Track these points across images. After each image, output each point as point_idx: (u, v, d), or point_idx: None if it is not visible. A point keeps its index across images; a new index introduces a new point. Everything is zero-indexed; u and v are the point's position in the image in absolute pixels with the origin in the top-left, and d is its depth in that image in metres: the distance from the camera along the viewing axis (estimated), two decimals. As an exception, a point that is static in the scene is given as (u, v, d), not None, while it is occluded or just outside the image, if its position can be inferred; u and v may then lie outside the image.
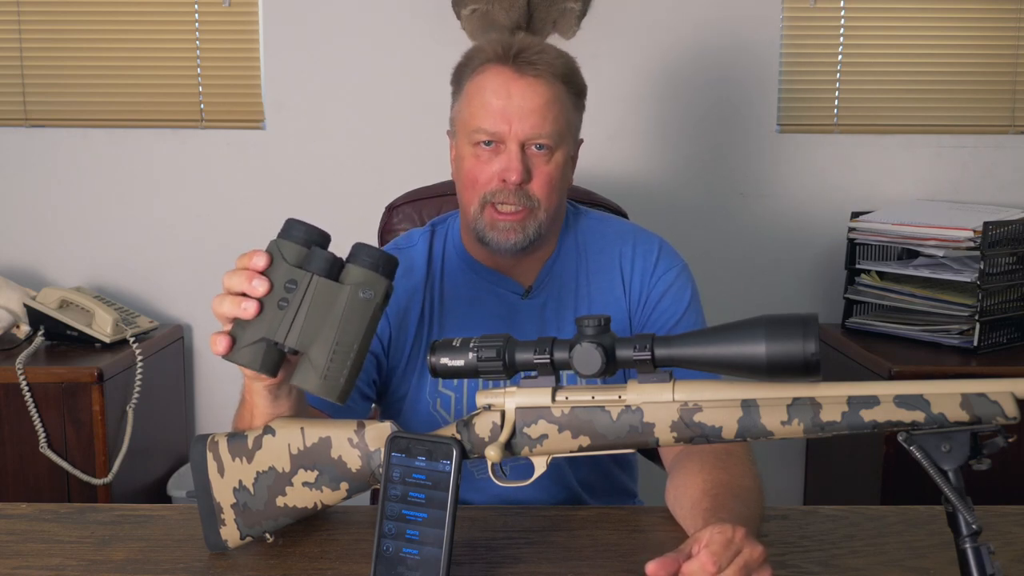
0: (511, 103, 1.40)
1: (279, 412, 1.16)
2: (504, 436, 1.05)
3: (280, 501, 1.14)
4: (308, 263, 1.07)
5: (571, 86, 1.45)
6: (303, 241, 1.08)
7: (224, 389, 2.65)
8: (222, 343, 1.07)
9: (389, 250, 1.51)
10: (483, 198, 1.42)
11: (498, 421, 1.06)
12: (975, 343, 2.26)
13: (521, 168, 1.40)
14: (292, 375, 1.08)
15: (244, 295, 1.07)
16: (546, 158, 1.42)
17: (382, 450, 1.10)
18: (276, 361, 1.09)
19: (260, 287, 1.06)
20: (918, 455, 0.94)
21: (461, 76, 1.47)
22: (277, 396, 1.15)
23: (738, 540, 1.00)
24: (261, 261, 1.07)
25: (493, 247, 1.44)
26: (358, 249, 1.09)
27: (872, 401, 0.96)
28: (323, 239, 1.10)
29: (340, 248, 1.10)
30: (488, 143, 1.41)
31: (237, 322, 1.07)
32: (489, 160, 1.42)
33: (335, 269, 1.07)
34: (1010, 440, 0.93)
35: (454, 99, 1.49)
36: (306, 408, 1.23)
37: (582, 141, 1.53)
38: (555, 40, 2.47)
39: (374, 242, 1.90)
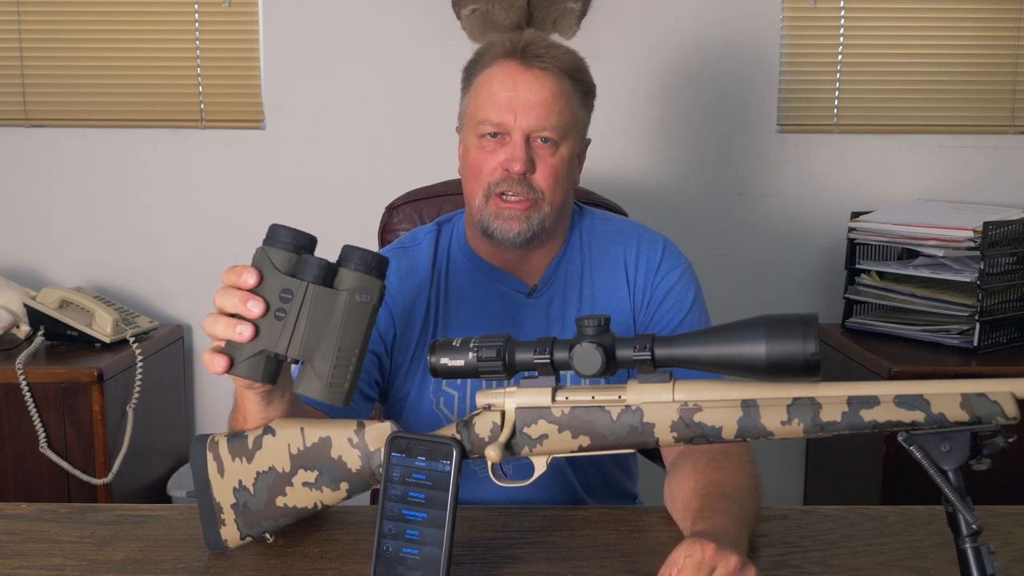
0: (517, 95, 1.40)
1: (271, 416, 1.16)
2: (504, 436, 1.05)
3: (280, 501, 1.14)
4: (301, 271, 1.05)
5: (578, 83, 1.46)
6: (291, 247, 1.06)
7: (224, 389, 2.60)
8: (220, 363, 1.06)
9: (395, 249, 1.52)
10: (487, 188, 1.42)
11: (498, 421, 1.06)
12: (975, 343, 2.26)
13: (524, 158, 1.40)
14: (295, 384, 1.07)
15: (238, 315, 1.05)
16: (551, 151, 1.42)
17: (382, 450, 1.10)
18: (276, 371, 1.08)
19: (256, 309, 1.04)
20: (918, 455, 0.94)
21: (471, 72, 1.48)
22: (270, 401, 1.15)
23: (709, 558, 0.99)
24: (251, 279, 1.04)
25: (498, 238, 1.43)
26: (349, 252, 1.07)
27: (872, 401, 0.96)
28: (311, 243, 1.08)
29: (327, 249, 1.09)
30: (494, 135, 1.42)
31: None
32: (494, 151, 1.42)
33: (329, 275, 1.05)
34: (1010, 440, 0.93)
35: (463, 94, 1.49)
36: (300, 408, 1.23)
37: (590, 141, 1.53)
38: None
39: (374, 243, 1.90)
